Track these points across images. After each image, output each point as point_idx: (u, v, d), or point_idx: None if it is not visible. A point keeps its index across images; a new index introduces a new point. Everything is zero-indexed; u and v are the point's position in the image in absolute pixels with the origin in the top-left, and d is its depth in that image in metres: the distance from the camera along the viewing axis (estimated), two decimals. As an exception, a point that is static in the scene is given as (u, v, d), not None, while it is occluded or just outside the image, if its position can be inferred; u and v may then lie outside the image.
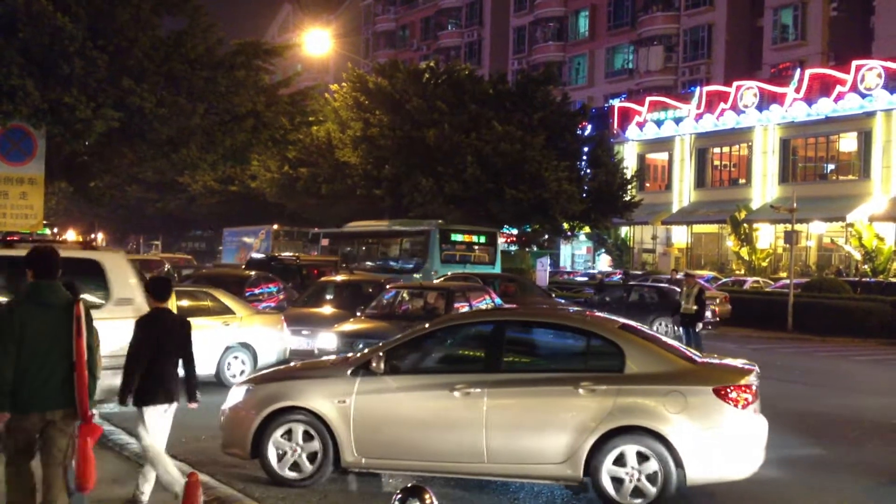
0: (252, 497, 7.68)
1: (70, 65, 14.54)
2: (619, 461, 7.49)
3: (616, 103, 55.30)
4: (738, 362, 8.47)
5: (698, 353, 8.53)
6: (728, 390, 7.50)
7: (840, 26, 51.03)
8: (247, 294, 18.29)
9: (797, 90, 43.30)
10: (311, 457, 8.12)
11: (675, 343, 8.84)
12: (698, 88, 50.19)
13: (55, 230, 67.10)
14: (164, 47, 16.32)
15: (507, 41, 71.77)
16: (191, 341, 7.43)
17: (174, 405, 7.35)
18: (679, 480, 7.42)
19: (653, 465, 7.42)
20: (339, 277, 20.20)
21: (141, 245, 70.07)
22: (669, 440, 7.37)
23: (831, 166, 45.13)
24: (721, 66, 56.11)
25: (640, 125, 51.53)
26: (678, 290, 27.56)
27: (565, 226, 38.66)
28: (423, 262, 28.40)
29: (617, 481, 7.48)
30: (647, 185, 51.80)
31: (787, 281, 30.52)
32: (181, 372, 7.45)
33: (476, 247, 30.53)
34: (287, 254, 28.45)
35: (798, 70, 45.40)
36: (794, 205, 29.99)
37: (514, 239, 41.34)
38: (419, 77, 37.72)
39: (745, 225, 43.85)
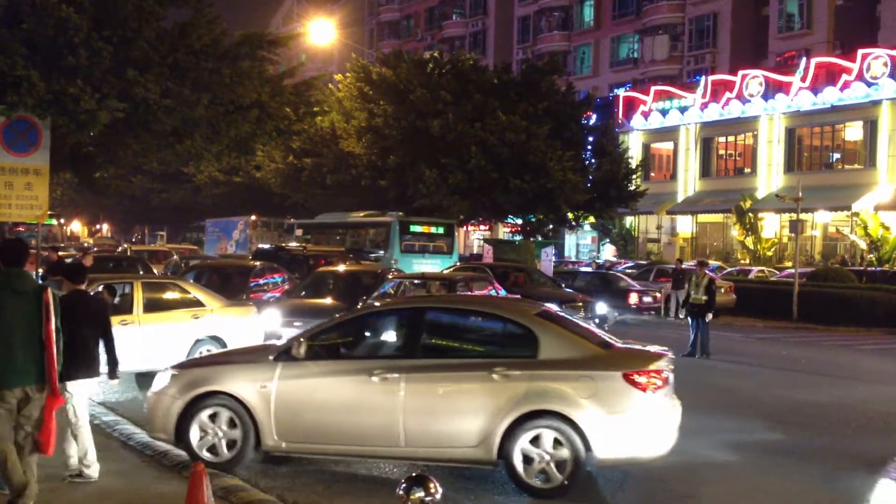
0: (258, 487, 7.71)
1: (75, 55, 14.53)
2: (531, 445, 7.65)
3: (621, 93, 55.15)
4: (652, 348, 8.69)
5: (617, 339, 8.77)
6: (637, 375, 7.69)
7: (846, 15, 50.81)
8: (252, 284, 18.24)
9: (803, 79, 43.15)
10: (232, 441, 8.26)
11: (594, 328, 9.09)
12: (703, 77, 50.03)
13: (62, 220, 67.47)
14: (169, 38, 16.30)
15: (511, 31, 71.61)
16: (109, 320, 7.95)
17: (95, 379, 7.77)
18: (589, 462, 7.64)
19: (563, 449, 7.60)
20: (337, 267, 19.97)
21: (146, 235, 70.17)
22: (579, 424, 7.54)
23: (837, 155, 45.00)
24: (726, 55, 55.95)
25: (645, 114, 51.41)
26: (623, 277, 28.29)
27: (570, 216, 38.61)
28: (384, 251, 29.86)
29: (529, 464, 7.66)
30: (652, 174, 51.71)
31: (793, 270, 30.49)
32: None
33: (435, 237, 32.67)
34: (293, 244, 28.51)
35: (804, 59, 45.23)
36: (800, 194, 29.91)
37: (519, 229, 41.31)
38: (423, 67, 37.63)
39: (751, 214, 43.76)
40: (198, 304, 13.24)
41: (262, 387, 8.17)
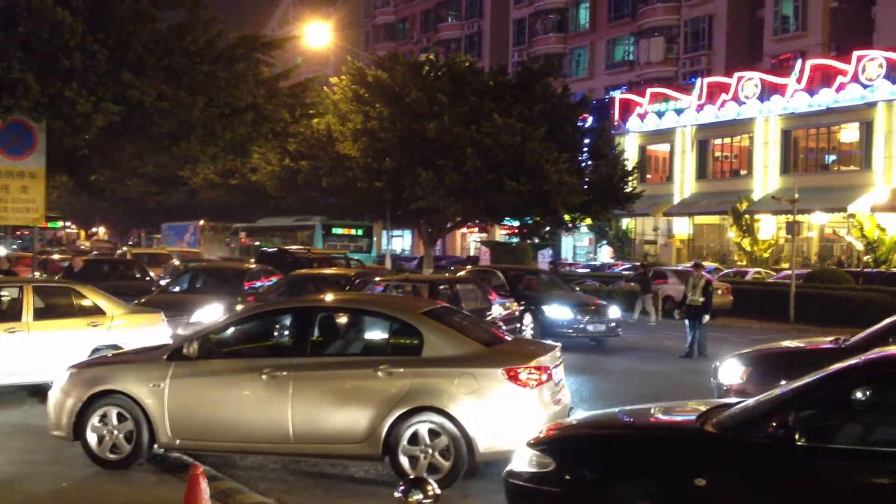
0: (256, 490, 7.70)
1: (70, 59, 14.54)
2: (414, 440, 7.85)
3: (617, 95, 55.18)
4: (542, 343, 8.93)
5: (509, 336, 9.03)
6: (517, 372, 7.90)
7: (841, 17, 50.89)
8: (246, 287, 18.19)
9: (798, 81, 43.20)
10: (128, 438, 8.40)
11: (486, 326, 9.27)
12: (699, 80, 50.07)
13: (67, 223, 67.46)
14: (164, 41, 16.32)
15: (507, 33, 71.60)
16: None
17: None
18: (469, 457, 7.79)
19: (444, 443, 7.80)
20: (311, 270, 19.74)
21: (143, 239, 70.08)
22: (459, 419, 7.75)
23: (833, 157, 45.05)
24: (722, 57, 55.98)
25: (641, 116, 51.44)
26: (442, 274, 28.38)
27: (566, 218, 38.58)
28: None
29: (412, 459, 7.83)
30: (649, 176, 51.73)
31: (789, 272, 30.48)
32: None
33: (355, 238, 37.85)
34: (295, 247, 28.64)
35: (799, 61, 45.28)
36: (796, 195, 29.89)
37: (515, 231, 41.27)
38: (419, 70, 37.59)
39: (747, 216, 43.79)
40: (97, 310, 12.28)
41: (156, 385, 8.35)
